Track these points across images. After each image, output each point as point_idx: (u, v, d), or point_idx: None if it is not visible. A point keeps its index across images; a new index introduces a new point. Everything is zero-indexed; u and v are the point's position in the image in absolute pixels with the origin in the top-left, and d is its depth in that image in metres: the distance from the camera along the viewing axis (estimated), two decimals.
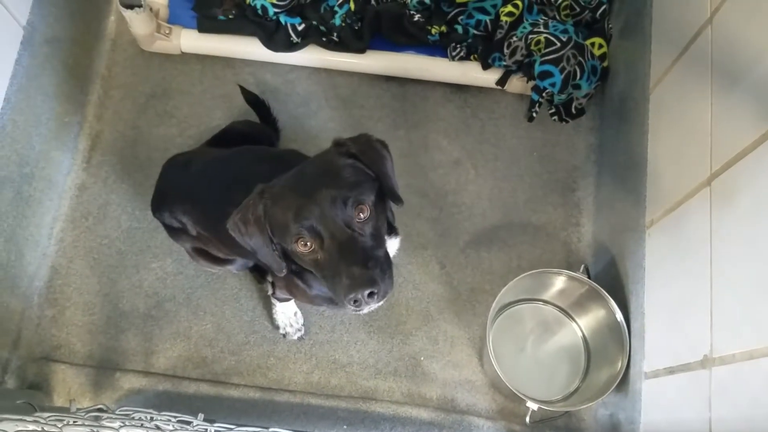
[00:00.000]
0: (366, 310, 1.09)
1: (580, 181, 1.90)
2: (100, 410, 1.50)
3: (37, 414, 1.41)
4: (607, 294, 1.55)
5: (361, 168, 1.12)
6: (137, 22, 1.82)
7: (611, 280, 1.63)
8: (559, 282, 1.67)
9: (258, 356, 1.72)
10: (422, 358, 1.75)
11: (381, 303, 1.10)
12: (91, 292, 1.75)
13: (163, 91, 1.93)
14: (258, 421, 1.54)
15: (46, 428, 1.26)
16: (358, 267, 1.03)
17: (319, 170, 1.11)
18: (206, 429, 1.44)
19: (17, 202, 1.66)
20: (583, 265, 1.70)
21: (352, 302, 1.04)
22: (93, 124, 1.90)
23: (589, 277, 1.65)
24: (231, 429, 1.46)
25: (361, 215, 1.07)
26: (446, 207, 1.88)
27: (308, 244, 1.06)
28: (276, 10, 1.87)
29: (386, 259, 1.13)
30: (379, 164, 1.14)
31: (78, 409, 1.50)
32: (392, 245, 1.32)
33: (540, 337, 1.74)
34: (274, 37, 1.88)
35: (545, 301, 1.76)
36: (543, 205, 1.89)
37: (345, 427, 1.68)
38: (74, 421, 1.36)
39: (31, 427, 1.25)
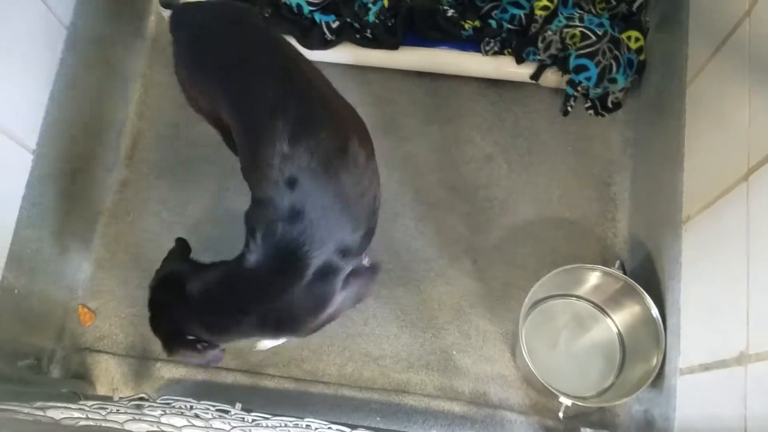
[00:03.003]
0: None
1: (616, 176, 1.89)
2: (141, 399, 1.55)
3: (81, 402, 1.47)
4: (642, 290, 1.54)
5: None
6: None
7: (647, 275, 1.62)
8: (594, 278, 1.66)
9: (292, 348, 1.76)
10: (454, 352, 1.77)
11: None
12: (134, 285, 1.81)
13: None
14: (293, 411, 1.57)
15: (90, 416, 1.32)
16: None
17: None
18: (243, 418, 1.48)
19: (62, 197, 1.72)
20: (618, 261, 1.70)
21: None
22: (134, 122, 1.97)
23: (624, 273, 1.64)
24: (267, 418, 1.50)
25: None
26: (478, 202, 1.89)
27: None
28: (311, 8, 1.90)
29: None
30: None
31: (120, 398, 1.56)
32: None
33: (574, 333, 1.74)
34: (309, 34, 1.91)
35: (579, 297, 1.75)
36: (578, 200, 1.88)
37: (378, 419, 1.71)
38: (117, 410, 1.41)
39: (76, 414, 1.30)
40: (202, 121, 1.93)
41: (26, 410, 1.22)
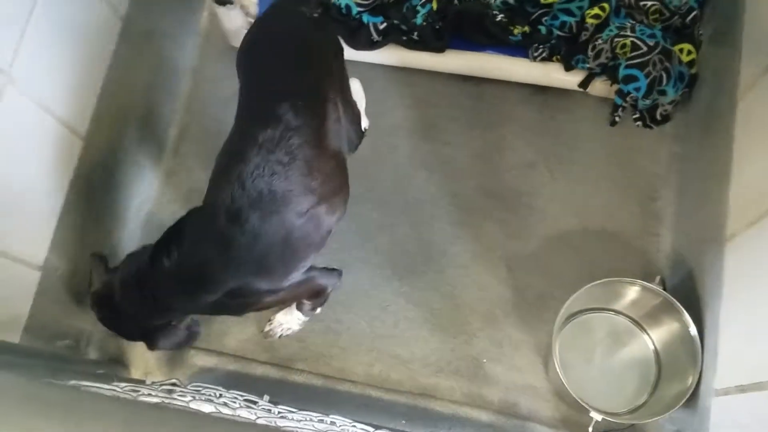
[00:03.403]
0: None
1: (661, 190, 1.86)
2: (173, 384, 1.61)
3: (114, 383, 1.53)
4: (682, 307, 1.51)
5: None
6: (228, 18, 1.93)
7: (687, 293, 1.59)
8: (632, 292, 1.64)
9: (322, 345, 1.79)
10: (485, 360, 1.77)
11: None
12: None
13: None
14: (319, 408, 1.60)
15: (121, 396, 1.37)
16: None
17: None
18: (270, 409, 1.52)
19: (108, 186, 1.79)
20: (658, 277, 1.67)
21: None
22: (182, 116, 2.03)
23: (664, 289, 1.62)
24: (293, 412, 1.53)
25: None
26: (518, 209, 1.88)
27: None
28: (359, 9, 1.93)
29: None
30: None
31: (153, 383, 1.61)
32: None
33: (609, 348, 1.72)
34: (356, 35, 1.94)
35: (617, 311, 1.73)
36: (620, 213, 1.86)
37: (403, 421, 1.72)
38: (149, 393, 1.46)
39: (108, 394, 1.36)
40: None
41: (107, 387, 1.29)
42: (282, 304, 1.68)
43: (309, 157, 1.32)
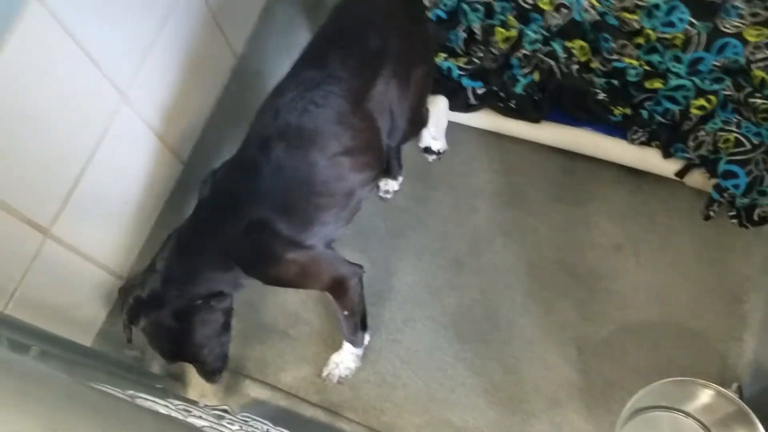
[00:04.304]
0: None
1: (751, 294, 1.78)
2: (224, 411, 1.66)
3: (169, 399, 1.61)
4: (757, 419, 1.44)
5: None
6: None
7: (765, 405, 1.51)
8: (706, 396, 1.57)
9: (375, 397, 1.81)
10: None
11: None
12: (238, 301, 1.94)
13: None
14: None
15: (173, 414, 1.43)
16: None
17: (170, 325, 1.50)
18: None
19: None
20: (735, 384, 1.60)
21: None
22: None
23: (741, 398, 1.54)
24: None
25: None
26: (597, 291, 1.86)
27: None
28: (461, 72, 2.01)
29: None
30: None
31: (205, 405, 1.68)
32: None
33: None
34: (454, 97, 2.02)
35: (687, 414, 1.65)
36: (705, 311, 1.80)
37: None
38: (200, 415, 1.52)
39: (162, 410, 1.43)
40: None
41: (162, 402, 1.37)
42: (305, 281, 1.61)
43: (342, 109, 1.41)
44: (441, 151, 2.01)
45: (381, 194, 2.02)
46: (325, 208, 1.46)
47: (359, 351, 1.78)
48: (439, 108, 1.96)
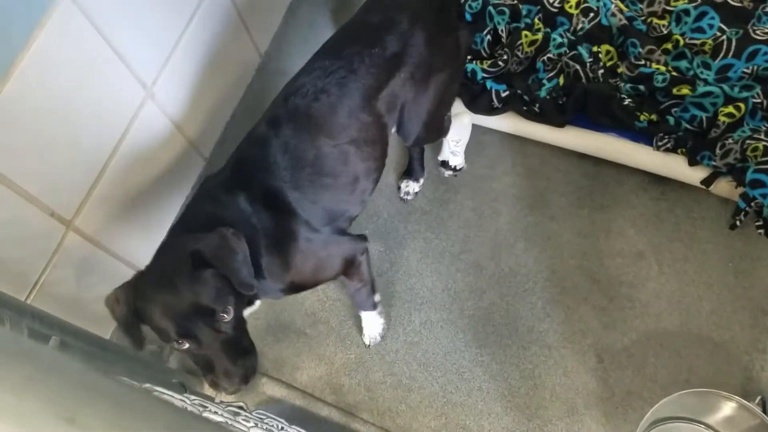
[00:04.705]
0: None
1: None
2: (240, 408, 1.67)
3: (185, 395, 1.62)
4: None
5: (217, 274, 1.27)
6: None
7: None
8: (729, 408, 1.55)
9: (391, 399, 1.81)
10: None
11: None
12: None
13: None
14: None
15: (189, 409, 1.45)
16: (230, 364, 1.32)
17: (186, 283, 1.25)
18: None
19: None
20: (759, 397, 1.57)
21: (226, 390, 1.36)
22: None
23: (764, 412, 1.52)
24: None
25: (225, 316, 1.27)
26: (618, 299, 1.84)
27: (187, 346, 1.29)
28: (485, 75, 2.00)
29: (249, 344, 1.40)
30: (229, 263, 1.27)
31: (221, 401, 1.69)
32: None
33: None
34: (477, 100, 2.01)
35: (708, 426, 1.63)
36: (729, 322, 1.77)
37: None
38: (215, 411, 1.53)
39: (177, 404, 1.44)
40: None
41: (178, 396, 1.38)
42: (319, 271, 1.56)
43: (352, 102, 1.44)
44: (458, 168, 2.02)
45: (402, 195, 2.03)
46: (331, 188, 1.48)
47: (378, 310, 1.81)
48: (462, 123, 1.96)
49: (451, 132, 1.90)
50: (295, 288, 1.56)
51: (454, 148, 1.97)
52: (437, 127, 1.81)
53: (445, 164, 2.02)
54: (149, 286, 1.28)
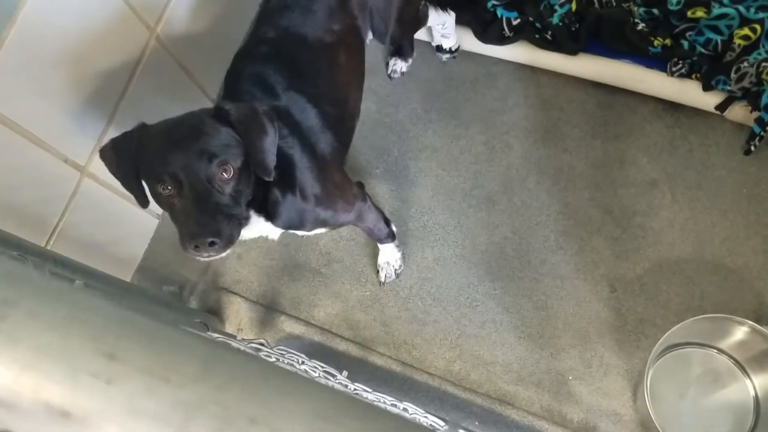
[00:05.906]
0: (206, 258, 1.19)
1: None
2: (261, 344, 1.73)
3: (208, 333, 1.68)
4: None
5: (234, 135, 1.21)
6: None
7: None
8: (741, 332, 1.59)
9: (406, 332, 1.86)
10: (570, 378, 1.77)
11: (222, 255, 1.18)
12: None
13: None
14: (394, 393, 1.68)
15: (221, 341, 1.50)
16: (207, 217, 1.14)
17: (196, 125, 1.20)
18: (347, 385, 1.60)
19: None
20: None
21: (193, 247, 1.13)
22: None
23: None
24: (368, 391, 1.61)
25: (224, 175, 1.17)
26: (631, 228, 1.86)
27: (169, 188, 1.16)
28: (495, 2, 1.97)
29: (238, 220, 1.22)
30: (254, 137, 1.22)
31: (243, 339, 1.75)
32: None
33: (706, 387, 1.68)
34: (488, 29, 1.99)
35: (720, 350, 1.68)
36: (742, 248, 1.80)
37: (477, 423, 1.76)
38: (238, 348, 1.59)
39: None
40: (366, 99, 2.09)
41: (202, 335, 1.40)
42: (340, 201, 1.52)
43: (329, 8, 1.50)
44: (454, 49, 2.05)
45: (389, 73, 2.10)
46: (320, 74, 1.49)
47: (396, 241, 1.84)
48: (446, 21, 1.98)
49: (432, 18, 1.93)
50: (317, 215, 1.47)
51: (442, 31, 1.99)
52: (411, 20, 1.85)
53: (440, 49, 2.06)
54: (153, 128, 1.22)
